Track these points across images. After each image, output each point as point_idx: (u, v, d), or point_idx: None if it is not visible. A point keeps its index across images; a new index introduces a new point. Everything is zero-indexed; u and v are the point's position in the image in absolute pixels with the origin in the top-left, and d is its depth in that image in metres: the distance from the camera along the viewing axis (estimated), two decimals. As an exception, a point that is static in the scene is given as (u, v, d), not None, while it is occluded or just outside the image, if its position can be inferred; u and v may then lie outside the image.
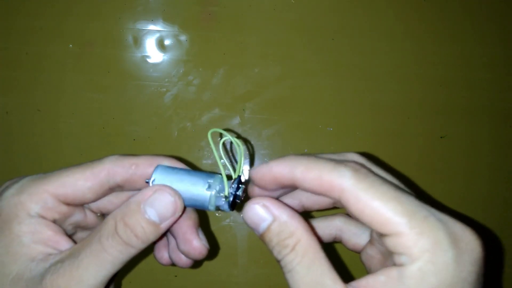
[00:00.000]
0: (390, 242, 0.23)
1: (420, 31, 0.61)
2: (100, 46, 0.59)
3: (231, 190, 0.29)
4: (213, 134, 0.29)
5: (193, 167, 0.32)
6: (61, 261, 0.26)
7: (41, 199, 0.28)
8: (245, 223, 0.27)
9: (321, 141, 0.60)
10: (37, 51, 0.58)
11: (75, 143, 0.58)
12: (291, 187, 0.28)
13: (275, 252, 0.26)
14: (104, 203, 0.32)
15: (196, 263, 0.42)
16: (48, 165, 0.58)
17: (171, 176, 0.29)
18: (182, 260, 0.33)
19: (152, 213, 0.27)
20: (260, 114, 0.60)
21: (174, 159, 0.30)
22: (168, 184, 0.28)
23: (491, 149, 0.61)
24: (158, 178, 0.29)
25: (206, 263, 0.58)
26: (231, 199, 0.29)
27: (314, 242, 0.25)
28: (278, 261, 0.26)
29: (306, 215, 0.31)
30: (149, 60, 0.59)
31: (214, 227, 0.58)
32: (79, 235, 0.33)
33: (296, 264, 0.25)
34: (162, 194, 0.27)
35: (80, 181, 0.28)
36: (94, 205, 0.32)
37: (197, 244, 0.31)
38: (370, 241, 0.31)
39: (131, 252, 0.27)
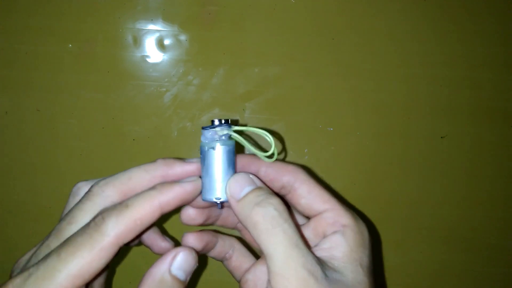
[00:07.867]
0: (329, 214, 0.33)
1: (421, 31, 0.61)
2: (100, 46, 0.59)
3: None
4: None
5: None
6: None
7: None
8: (226, 188, 0.33)
9: (321, 141, 0.60)
10: (36, 51, 0.58)
11: (75, 143, 0.58)
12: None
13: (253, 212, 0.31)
14: None
15: (202, 265, 0.43)
16: (47, 166, 0.58)
17: None
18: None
19: (180, 274, 0.32)
20: (260, 114, 0.60)
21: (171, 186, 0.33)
22: None
23: (493, 149, 0.61)
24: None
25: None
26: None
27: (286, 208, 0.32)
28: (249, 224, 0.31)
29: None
30: (149, 60, 0.59)
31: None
32: None
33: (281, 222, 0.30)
34: (184, 253, 0.32)
35: (93, 263, 0.28)
36: None
37: (165, 245, 0.40)
38: (257, 263, 0.34)
39: None
